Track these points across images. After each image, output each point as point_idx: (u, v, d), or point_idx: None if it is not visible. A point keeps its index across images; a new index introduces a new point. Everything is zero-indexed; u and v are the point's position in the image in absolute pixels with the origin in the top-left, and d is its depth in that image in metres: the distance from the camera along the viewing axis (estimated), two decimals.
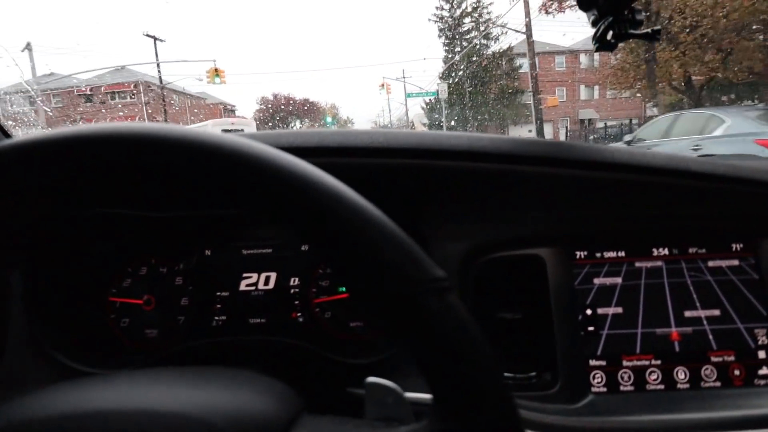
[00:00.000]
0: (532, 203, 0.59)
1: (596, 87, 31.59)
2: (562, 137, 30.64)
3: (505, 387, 0.26)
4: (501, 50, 29.74)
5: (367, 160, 0.55)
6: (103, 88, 30.60)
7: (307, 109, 54.24)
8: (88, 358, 0.58)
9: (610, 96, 28.79)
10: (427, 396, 0.28)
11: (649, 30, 0.59)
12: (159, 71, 23.44)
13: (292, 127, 55.44)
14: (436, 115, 30.66)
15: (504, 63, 29.77)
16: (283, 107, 51.31)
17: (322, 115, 53.87)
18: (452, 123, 27.53)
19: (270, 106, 51.50)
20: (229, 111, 48.73)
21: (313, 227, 0.27)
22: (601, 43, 0.60)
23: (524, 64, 30.80)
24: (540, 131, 16.90)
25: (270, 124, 52.31)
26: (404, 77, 30.27)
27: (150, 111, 29.85)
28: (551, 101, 21.95)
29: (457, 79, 30.50)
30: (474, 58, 29.69)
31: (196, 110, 38.68)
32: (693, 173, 0.56)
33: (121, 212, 0.59)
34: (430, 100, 34.46)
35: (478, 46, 29.42)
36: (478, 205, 0.59)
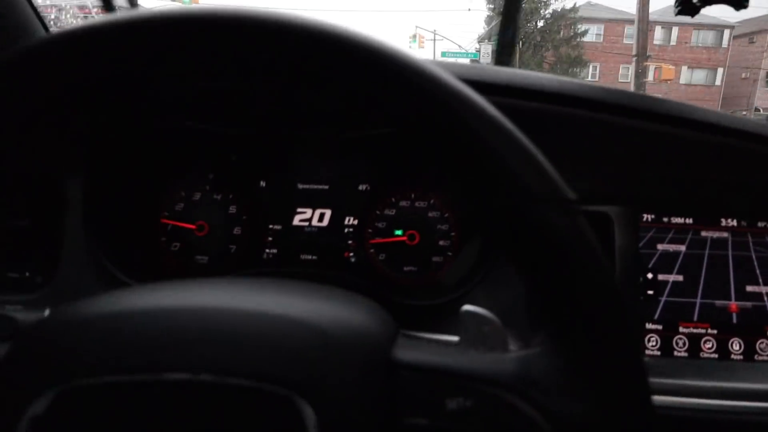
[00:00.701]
0: (609, 157, 0.57)
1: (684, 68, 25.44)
2: None
3: (630, 327, 0.26)
4: (563, 9, 24.41)
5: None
6: None
7: None
8: (140, 274, 0.58)
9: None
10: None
11: None
12: None
13: None
14: None
15: (562, 28, 24.53)
16: None
17: None
18: None
19: None
20: None
21: (454, 137, 0.27)
22: (684, 6, 0.57)
23: (590, 29, 25.54)
24: None
25: None
26: (435, 36, 25.02)
27: None
28: (666, 72, 15.10)
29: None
30: (530, 18, 24.33)
31: None
32: None
33: (185, 126, 0.58)
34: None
35: (536, 4, 24.09)
36: (555, 152, 0.54)
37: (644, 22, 12.03)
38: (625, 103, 0.54)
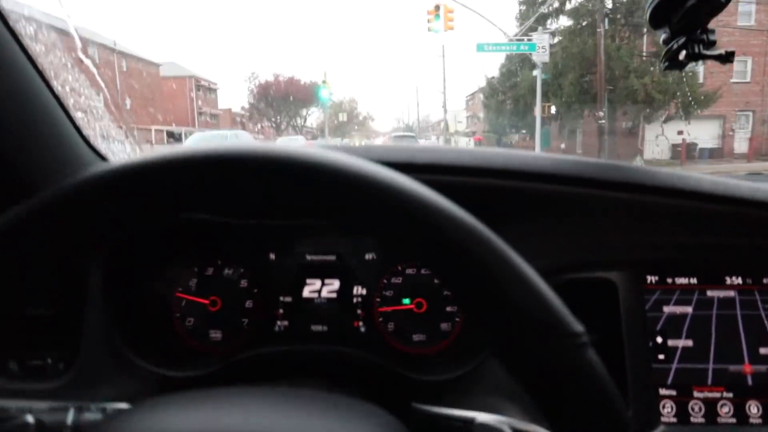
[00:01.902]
0: (609, 227, 0.59)
1: None
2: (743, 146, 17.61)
3: None
4: None
5: (452, 178, 0.57)
6: None
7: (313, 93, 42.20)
8: (156, 357, 0.59)
9: None
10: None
11: (722, 51, 0.58)
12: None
13: (305, 114, 42.93)
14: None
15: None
16: (283, 93, 39.46)
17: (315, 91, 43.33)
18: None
19: (271, 91, 39.49)
20: (206, 89, 36.80)
21: (463, 273, 0.30)
22: (671, 62, 0.59)
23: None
24: None
25: (277, 118, 40.44)
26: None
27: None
28: None
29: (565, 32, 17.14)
30: None
31: (148, 83, 26.98)
32: None
33: (202, 218, 0.60)
34: (504, 70, 21.43)
35: None
36: (554, 226, 0.59)
37: None
38: (620, 179, 0.56)
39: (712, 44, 0.57)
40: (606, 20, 15.45)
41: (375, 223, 0.31)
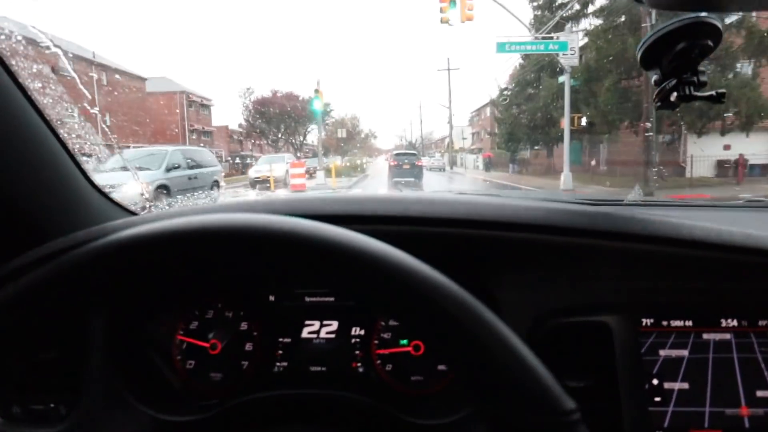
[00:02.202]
0: (603, 274, 0.59)
1: None
2: None
3: None
4: None
5: (446, 230, 0.58)
6: None
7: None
8: (156, 402, 0.60)
9: None
10: None
11: (713, 92, 0.59)
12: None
13: (303, 131, 40.94)
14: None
15: None
16: (281, 108, 37.59)
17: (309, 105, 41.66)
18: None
19: (270, 107, 37.62)
20: (199, 106, 34.86)
21: (457, 348, 0.31)
22: (663, 103, 0.60)
23: None
24: None
25: (276, 135, 38.65)
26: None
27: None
28: None
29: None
30: None
31: (132, 99, 24.99)
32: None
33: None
34: (519, 79, 19.29)
35: None
36: (548, 273, 0.60)
37: None
38: (612, 228, 0.57)
39: (703, 85, 0.58)
40: (652, 14, 13.16)
41: (373, 301, 0.34)
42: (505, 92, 22.24)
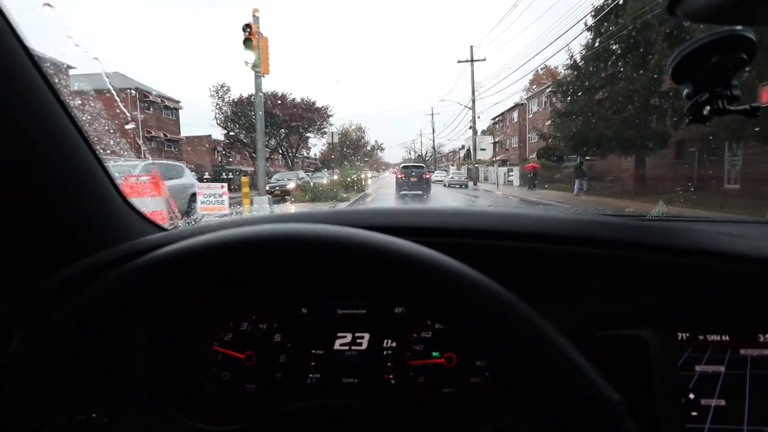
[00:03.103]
0: (639, 287, 0.59)
1: None
2: None
3: None
4: None
5: (485, 242, 0.60)
6: None
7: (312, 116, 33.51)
8: (194, 411, 0.61)
9: None
10: None
11: (747, 106, 0.58)
12: None
13: (300, 142, 34.26)
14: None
15: None
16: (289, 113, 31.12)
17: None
18: None
19: (279, 109, 31.15)
20: (159, 107, 28.28)
21: (510, 351, 0.35)
22: (695, 117, 0.60)
23: None
24: None
25: (270, 145, 32.23)
26: None
27: None
28: None
29: None
30: None
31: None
32: None
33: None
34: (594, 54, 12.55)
35: None
36: (585, 286, 0.61)
37: None
38: (650, 241, 0.58)
39: (736, 99, 0.57)
40: None
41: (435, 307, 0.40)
42: (569, 79, 15.16)
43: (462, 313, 0.37)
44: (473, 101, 30.51)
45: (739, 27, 0.53)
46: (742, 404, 0.55)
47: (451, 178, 29.56)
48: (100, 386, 0.59)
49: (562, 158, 23.13)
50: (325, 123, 37.01)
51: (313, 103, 34.11)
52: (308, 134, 37.78)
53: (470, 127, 32.35)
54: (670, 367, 0.57)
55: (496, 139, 45.34)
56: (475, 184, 29.37)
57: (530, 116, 35.52)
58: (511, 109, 40.90)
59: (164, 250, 0.42)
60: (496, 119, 45.90)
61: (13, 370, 0.46)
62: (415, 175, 17.43)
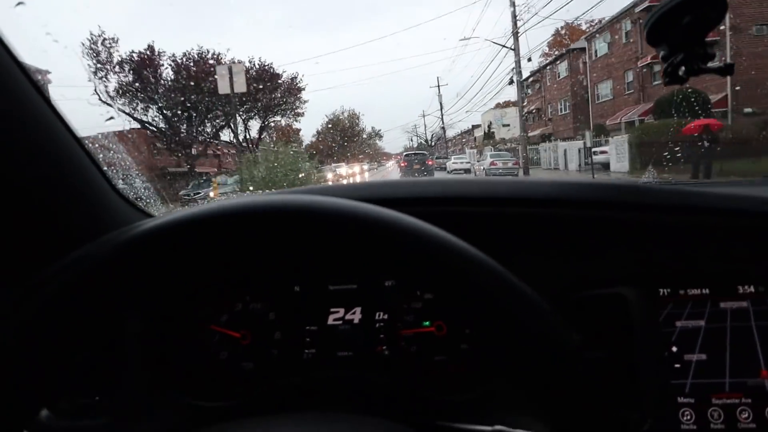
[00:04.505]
0: (618, 245, 0.60)
1: None
2: None
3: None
4: None
5: (462, 209, 0.61)
6: None
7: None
8: (193, 390, 0.63)
9: None
10: None
11: (721, 64, 0.59)
12: None
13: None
14: None
15: None
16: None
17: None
18: None
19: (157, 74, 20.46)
20: None
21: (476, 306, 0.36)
22: (671, 78, 0.60)
23: None
24: None
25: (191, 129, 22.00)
26: None
27: None
28: None
29: None
30: None
31: None
32: None
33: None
34: None
35: None
36: (564, 247, 0.61)
37: None
38: (625, 200, 0.59)
39: (711, 57, 0.58)
40: None
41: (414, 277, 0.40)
42: None
43: (425, 267, 0.38)
44: (515, 30, 18.84)
45: None
46: (723, 357, 0.56)
47: (492, 164, 18.22)
48: (99, 369, 0.60)
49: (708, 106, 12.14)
50: (297, 102, 25.97)
51: (268, 68, 22.97)
52: (272, 118, 26.43)
53: (511, 80, 20.84)
54: (652, 323, 0.58)
55: (532, 107, 33.87)
56: (526, 171, 18.23)
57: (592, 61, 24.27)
58: (557, 59, 28.88)
59: (150, 224, 0.42)
60: (527, 80, 34.45)
61: (9, 356, 0.46)
62: (418, 161, 18.53)
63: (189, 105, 20.46)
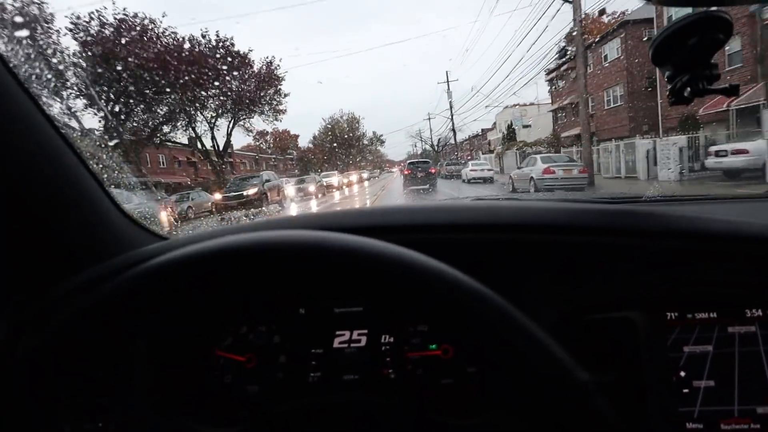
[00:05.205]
0: (626, 270, 0.60)
1: None
2: None
3: None
4: None
5: (468, 236, 0.61)
6: None
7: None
8: (199, 415, 0.62)
9: None
10: None
11: (727, 85, 0.59)
12: None
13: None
14: None
15: None
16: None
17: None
18: None
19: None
20: None
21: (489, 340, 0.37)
22: (677, 98, 0.60)
23: None
24: None
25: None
26: None
27: None
28: None
29: None
30: None
31: None
32: None
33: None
34: None
35: None
36: (572, 272, 0.61)
37: None
38: (632, 226, 0.59)
39: (715, 78, 0.58)
40: None
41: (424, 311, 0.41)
42: None
43: (431, 305, 0.40)
44: None
45: (714, 8, 0.55)
46: (732, 384, 0.55)
47: (547, 171, 12.70)
48: (104, 395, 0.60)
49: None
50: (276, 96, 21.47)
51: (228, 44, 18.07)
52: (246, 117, 21.44)
53: (562, 50, 15.66)
54: (660, 348, 0.57)
55: (564, 101, 28.42)
56: (591, 182, 12.86)
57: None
58: (601, 41, 23.49)
59: (158, 260, 0.44)
60: (553, 74, 29.14)
61: (16, 381, 0.46)
62: (422, 170, 18.77)
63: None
